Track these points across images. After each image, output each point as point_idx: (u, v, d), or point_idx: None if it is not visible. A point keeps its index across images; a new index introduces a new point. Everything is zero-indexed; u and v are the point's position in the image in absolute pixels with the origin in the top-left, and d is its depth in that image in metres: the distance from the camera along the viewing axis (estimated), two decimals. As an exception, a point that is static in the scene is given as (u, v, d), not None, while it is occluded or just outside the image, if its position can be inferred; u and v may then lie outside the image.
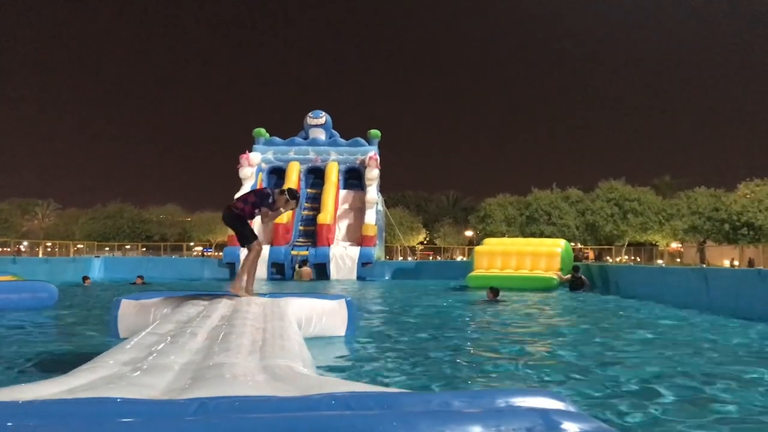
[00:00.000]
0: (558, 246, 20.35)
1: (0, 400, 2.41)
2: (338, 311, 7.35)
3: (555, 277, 18.35)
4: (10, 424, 2.01)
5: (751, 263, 40.57)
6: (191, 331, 4.61)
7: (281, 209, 7.95)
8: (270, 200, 7.81)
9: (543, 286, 17.67)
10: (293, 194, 7.93)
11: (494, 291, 12.95)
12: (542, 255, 19.61)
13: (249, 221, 8.07)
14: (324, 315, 7.22)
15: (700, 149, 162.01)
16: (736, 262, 43.99)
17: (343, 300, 7.47)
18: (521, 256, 19.80)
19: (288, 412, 2.19)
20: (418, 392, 2.61)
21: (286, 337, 4.70)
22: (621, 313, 11.10)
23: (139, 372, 3.26)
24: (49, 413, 2.18)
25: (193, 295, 7.14)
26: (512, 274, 18.91)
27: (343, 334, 7.34)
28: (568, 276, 18.13)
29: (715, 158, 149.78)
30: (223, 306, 6.17)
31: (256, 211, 7.84)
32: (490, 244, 21.98)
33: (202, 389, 2.77)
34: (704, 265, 21.53)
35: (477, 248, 21.43)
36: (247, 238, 7.96)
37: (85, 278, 19.50)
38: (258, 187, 28.79)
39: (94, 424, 2.04)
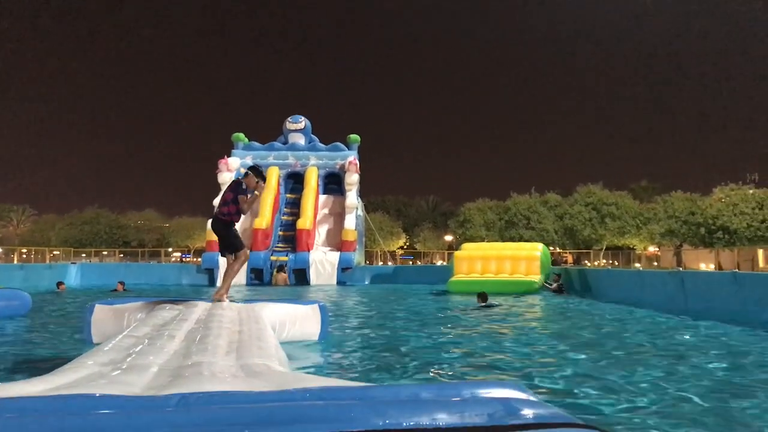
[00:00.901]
0: (537, 250, 20.47)
1: None
2: (312, 316, 7.39)
3: (536, 280, 18.42)
4: None
5: (738, 267, 40.91)
6: (168, 334, 4.63)
7: (255, 192, 8.01)
8: (243, 187, 7.91)
9: (524, 290, 17.72)
10: (257, 171, 8.02)
11: (482, 296, 12.93)
12: (521, 259, 19.71)
13: (236, 224, 8.08)
14: (298, 320, 7.26)
15: (677, 154, 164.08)
16: (712, 265, 44.54)
17: (317, 305, 7.51)
18: (500, 261, 19.88)
19: (265, 404, 2.25)
20: (388, 385, 2.71)
21: (263, 338, 4.74)
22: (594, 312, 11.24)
23: (118, 371, 3.28)
24: (33, 409, 2.19)
25: (167, 301, 7.11)
26: (493, 278, 18.93)
27: (316, 338, 7.40)
28: (554, 286, 18.17)
29: (690, 163, 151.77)
30: (198, 310, 6.16)
31: (238, 206, 7.89)
32: (469, 248, 22.00)
33: (181, 386, 2.81)
34: (681, 269, 21.74)
35: (456, 253, 21.41)
36: (235, 246, 8.01)
37: (59, 284, 19.21)
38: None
39: (78, 419, 2.06)
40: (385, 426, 1.96)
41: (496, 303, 12.99)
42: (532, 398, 2.37)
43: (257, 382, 3.03)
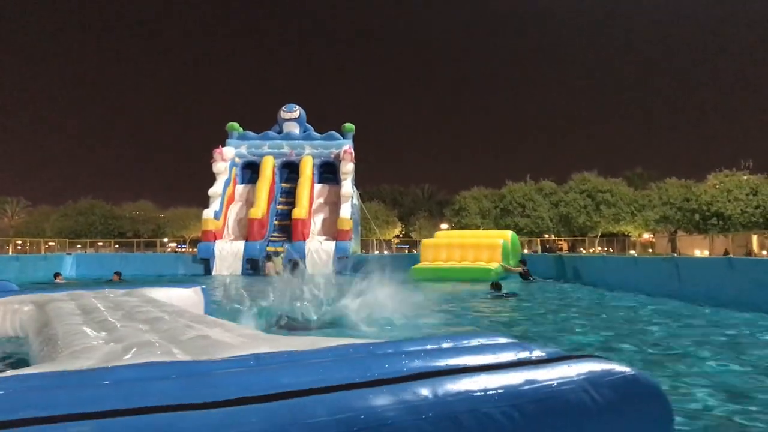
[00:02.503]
0: (501, 238, 20.92)
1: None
2: (194, 298, 7.39)
3: (492, 267, 18.58)
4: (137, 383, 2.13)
5: (749, 254, 40.80)
6: (118, 319, 4.51)
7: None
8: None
9: (480, 277, 17.92)
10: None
11: (496, 285, 12.90)
12: (484, 246, 20.06)
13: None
14: (181, 302, 7.19)
15: (671, 141, 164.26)
16: (706, 251, 44.63)
17: (198, 288, 7.58)
18: (465, 248, 20.25)
19: (329, 358, 2.52)
20: (411, 339, 3.14)
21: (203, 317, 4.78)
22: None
23: (135, 348, 3.26)
24: (129, 379, 2.27)
25: (49, 293, 7.06)
26: (449, 265, 19.31)
27: None
28: (518, 269, 18.42)
29: (685, 150, 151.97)
30: (98, 300, 6.03)
31: None
32: (440, 237, 22.63)
33: (225, 353, 2.89)
34: (675, 255, 21.86)
35: (424, 241, 22.16)
36: None
37: (56, 275, 19.21)
38: (232, 182, 28.64)
39: (193, 381, 2.17)
40: (449, 367, 2.30)
41: (503, 293, 12.86)
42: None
43: (284, 343, 3.16)
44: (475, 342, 2.79)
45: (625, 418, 2.26)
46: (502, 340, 2.83)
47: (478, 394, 2.06)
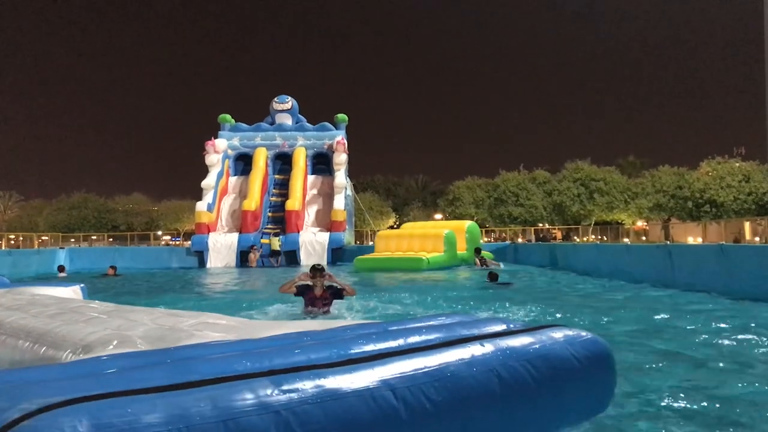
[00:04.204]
0: (457, 228, 21.48)
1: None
2: (73, 297, 7.17)
3: (424, 257, 18.87)
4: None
5: (737, 240, 40.78)
6: (78, 315, 4.30)
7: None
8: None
9: (413, 266, 18.29)
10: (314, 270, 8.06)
11: (492, 276, 12.82)
12: (429, 237, 20.46)
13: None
14: None
15: (664, 128, 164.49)
16: (700, 239, 44.74)
17: (77, 286, 7.52)
18: (413, 239, 20.71)
19: (370, 332, 2.97)
20: (404, 319, 3.84)
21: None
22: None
23: (171, 336, 3.32)
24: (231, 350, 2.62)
25: None
26: (389, 255, 19.82)
27: None
28: (477, 261, 18.96)
29: (677, 137, 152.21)
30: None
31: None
32: (407, 228, 23.38)
33: (247, 335, 3.17)
34: (668, 242, 21.99)
35: (379, 233, 22.85)
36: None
37: (60, 268, 19.13)
38: (225, 174, 28.58)
39: (280, 353, 2.53)
40: (467, 335, 2.86)
41: (500, 282, 12.74)
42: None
43: (294, 328, 3.41)
44: (458, 319, 3.33)
45: (593, 370, 2.93)
46: (483, 315, 3.67)
47: (504, 351, 2.67)
